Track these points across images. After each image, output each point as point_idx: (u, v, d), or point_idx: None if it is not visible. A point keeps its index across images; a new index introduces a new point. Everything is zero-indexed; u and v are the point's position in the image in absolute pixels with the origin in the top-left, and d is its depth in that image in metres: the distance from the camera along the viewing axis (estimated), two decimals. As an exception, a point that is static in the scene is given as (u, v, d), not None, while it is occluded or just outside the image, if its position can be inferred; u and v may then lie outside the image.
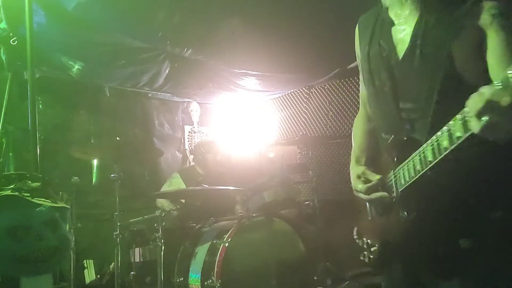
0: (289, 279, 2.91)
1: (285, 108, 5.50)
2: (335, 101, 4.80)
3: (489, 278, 1.18)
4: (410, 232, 1.25)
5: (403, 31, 1.30)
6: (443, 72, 1.18)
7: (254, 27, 3.48)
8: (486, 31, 1.14)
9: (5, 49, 3.51)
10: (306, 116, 5.15)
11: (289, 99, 5.43)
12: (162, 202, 3.73)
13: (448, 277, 1.24)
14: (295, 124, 5.31)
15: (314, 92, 5.08)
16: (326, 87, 4.94)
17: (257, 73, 4.47)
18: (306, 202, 3.58)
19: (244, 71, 4.42)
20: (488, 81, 1.00)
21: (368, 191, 1.34)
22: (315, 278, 3.08)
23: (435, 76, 1.19)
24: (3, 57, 3.56)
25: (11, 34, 3.33)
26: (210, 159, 3.96)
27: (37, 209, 2.16)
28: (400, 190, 1.26)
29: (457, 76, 1.17)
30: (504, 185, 1.19)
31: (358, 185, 1.38)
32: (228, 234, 2.82)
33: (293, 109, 5.37)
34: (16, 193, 2.16)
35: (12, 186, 2.19)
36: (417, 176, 1.18)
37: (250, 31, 3.52)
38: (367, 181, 1.36)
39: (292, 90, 5.33)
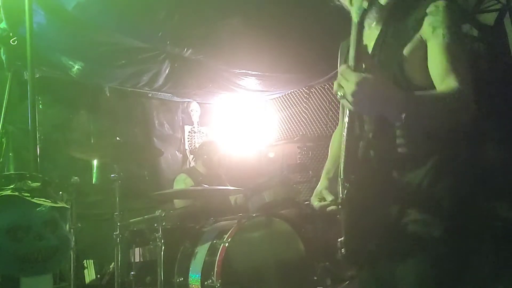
0: (289, 279, 2.91)
1: (285, 108, 5.49)
2: (335, 101, 4.80)
3: (440, 261, 1.28)
4: (362, 223, 1.36)
5: (369, 47, 1.46)
6: (393, 78, 1.33)
7: (254, 27, 3.48)
8: (427, 42, 1.32)
9: (5, 49, 3.52)
10: (306, 116, 5.15)
11: (289, 99, 5.43)
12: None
13: (402, 260, 1.32)
14: (295, 124, 5.31)
15: (314, 92, 5.08)
16: (326, 87, 4.94)
17: (257, 73, 4.47)
18: (306, 202, 3.57)
19: (244, 71, 4.42)
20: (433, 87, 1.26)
21: (321, 210, 1.45)
22: (315, 278, 3.08)
23: (390, 77, 1.34)
24: (3, 57, 3.56)
25: (11, 34, 3.33)
26: (215, 160, 3.98)
27: (37, 209, 2.16)
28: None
29: (406, 83, 1.33)
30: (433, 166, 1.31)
31: (314, 202, 1.49)
32: (228, 234, 2.81)
33: (293, 109, 5.36)
34: (16, 193, 2.16)
35: (12, 186, 2.19)
36: None
37: (250, 31, 3.52)
38: (322, 199, 1.46)
39: (292, 90, 5.32)
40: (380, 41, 1.43)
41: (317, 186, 1.54)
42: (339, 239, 1.44)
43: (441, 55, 1.28)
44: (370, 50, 1.43)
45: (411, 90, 1.25)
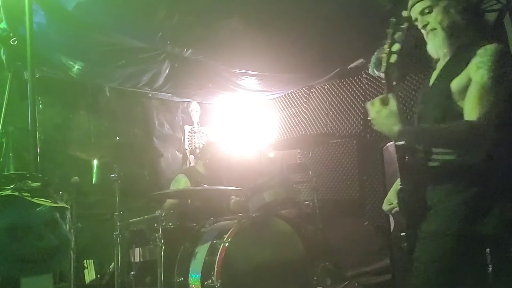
0: (289, 279, 2.91)
1: (285, 108, 5.49)
2: (335, 101, 4.80)
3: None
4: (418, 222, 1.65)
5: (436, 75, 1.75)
6: (445, 106, 1.59)
7: (254, 27, 3.47)
8: (471, 79, 1.53)
9: (5, 49, 3.52)
10: (306, 116, 5.14)
11: (289, 99, 5.43)
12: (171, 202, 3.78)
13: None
14: (295, 124, 5.31)
15: (314, 92, 5.08)
16: (326, 87, 4.93)
17: (257, 73, 4.46)
18: (306, 202, 3.57)
19: (244, 71, 4.42)
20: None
21: (389, 211, 1.88)
22: (315, 278, 3.08)
23: (441, 104, 1.62)
24: (3, 57, 3.56)
25: (11, 34, 3.33)
26: (216, 162, 3.98)
27: (37, 209, 2.16)
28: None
29: (456, 111, 1.56)
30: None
31: (384, 206, 1.92)
32: (228, 234, 2.82)
33: (293, 109, 5.36)
34: (16, 193, 2.16)
35: (12, 186, 2.19)
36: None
37: (250, 31, 3.51)
38: (390, 203, 1.87)
39: (292, 90, 5.32)
40: (440, 73, 1.69)
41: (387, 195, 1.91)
42: (401, 234, 1.76)
43: (475, 91, 1.49)
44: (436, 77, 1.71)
45: (459, 118, 1.51)
